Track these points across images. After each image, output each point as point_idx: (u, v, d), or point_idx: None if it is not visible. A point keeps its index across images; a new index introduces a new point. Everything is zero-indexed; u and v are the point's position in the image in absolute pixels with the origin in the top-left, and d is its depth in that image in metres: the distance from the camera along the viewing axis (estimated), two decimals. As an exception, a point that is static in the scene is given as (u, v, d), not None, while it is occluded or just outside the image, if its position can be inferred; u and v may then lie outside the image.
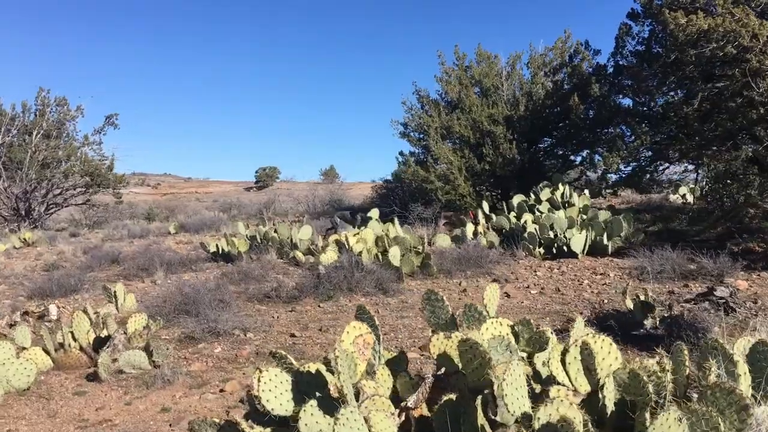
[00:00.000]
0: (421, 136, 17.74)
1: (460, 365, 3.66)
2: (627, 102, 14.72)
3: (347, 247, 10.88)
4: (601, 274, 10.19)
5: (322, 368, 3.95)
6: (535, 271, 10.77)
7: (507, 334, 3.92)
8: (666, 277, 9.38)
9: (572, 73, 15.49)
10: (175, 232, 21.07)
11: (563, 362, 3.50)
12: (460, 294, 9.37)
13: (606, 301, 8.42)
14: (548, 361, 3.56)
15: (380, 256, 10.81)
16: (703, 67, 12.61)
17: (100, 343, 6.49)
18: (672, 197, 19.94)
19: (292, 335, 7.28)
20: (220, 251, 13.57)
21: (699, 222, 14.18)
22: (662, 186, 16.07)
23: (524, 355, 3.84)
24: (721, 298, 7.49)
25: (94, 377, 6.11)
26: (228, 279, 11.08)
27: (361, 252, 10.45)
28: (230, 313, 8.31)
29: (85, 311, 6.56)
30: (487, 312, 4.12)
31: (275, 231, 14.04)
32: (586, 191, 14.06)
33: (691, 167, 16.27)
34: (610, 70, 15.17)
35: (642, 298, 6.94)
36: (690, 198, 19.44)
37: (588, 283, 9.58)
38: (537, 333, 3.83)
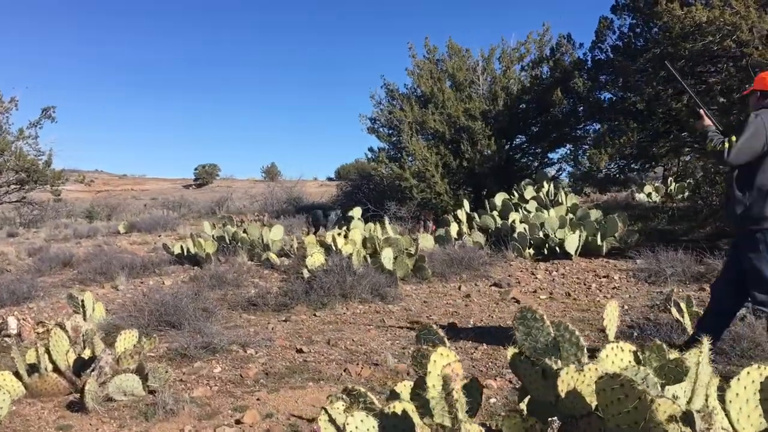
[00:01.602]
0: (391, 131, 17.03)
1: (593, 406, 2.98)
2: (606, 97, 14.36)
3: (334, 248, 10.07)
4: (604, 276, 9.68)
5: (409, 407, 3.20)
6: (533, 274, 10.20)
7: (630, 362, 3.26)
8: (677, 280, 8.93)
9: (555, 67, 15.02)
10: (126, 231, 19.80)
11: (722, 399, 2.85)
12: (464, 299, 8.68)
13: (626, 307, 7.86)
14: (707, 399, 2.88)
15: (368, 259, 10.06)
16: (693, 62, 12.30)
17: (82, 366, 5.53)
18: (638, 196, 19.82)
19: (299, 351, 6.43)
20: (185, 253, 12.55)
21: (680, 221, 13.93)
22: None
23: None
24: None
25: (78, 407, 5.16)
26: (201, 284, 10.14)
27: (350, 254, 9.66)
28: (219, 325, 7.44)
29: (62, 327, 5.59)
30: (607, 334, 3.42)
31: (244, 231, 13.10)
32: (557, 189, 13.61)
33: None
34: (589, 65, 14.78)
35: (683, 306, 6.38)
36: (656, 197, 19.35)
37: (596, 287, 9.03)
38: (672, 361, 3.17)
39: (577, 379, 2.97)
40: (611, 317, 3.46)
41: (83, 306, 7.82)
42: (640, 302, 8.04)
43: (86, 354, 5.62)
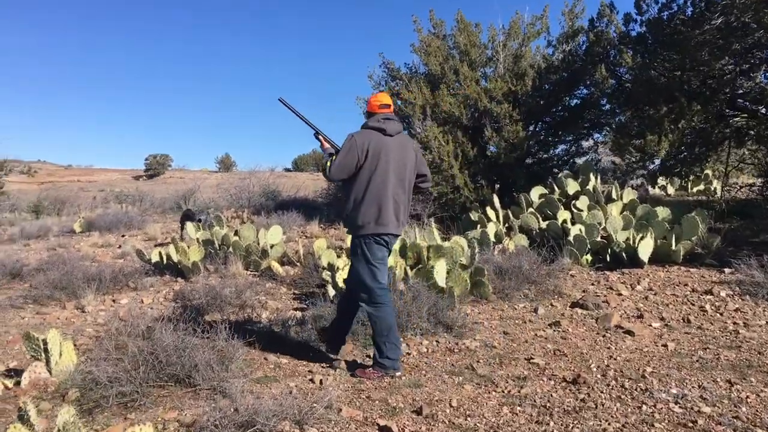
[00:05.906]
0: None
1: None
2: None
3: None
4: (706, 293, 7.74)
5: None
6: (612, 288, 8.22)
7: None
8: (811, 299, 7.08)
9: (597, 40, 13.04)
10: (82, 230, 17.23)
11: None
12: (554, 329, 6.63)
13: (782, 340, 5.94)
14: None
15: (409, 271, 7.97)
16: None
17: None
18: (651, 190, 18.15)
19: (385, 429, 4.30)
20: (165, 261, 10.25)
21: (729, 218, 12.18)
22: (681, 176, 13.89)
23: None
24: None
25: None
26: (192, 305, 7.97)
27: (393, 268, 7.55)
28: (242, 376, 5.29)
29: (64, 398, 3.39)
30: None
31: (236, 233, 10.86)
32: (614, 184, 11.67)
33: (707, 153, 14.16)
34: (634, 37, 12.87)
35: None
36: (671, 190, 17.72)
37: (712, 310, 7.06)
38: None
39: None
40: None
41: (46, 349, 5.56)
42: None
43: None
